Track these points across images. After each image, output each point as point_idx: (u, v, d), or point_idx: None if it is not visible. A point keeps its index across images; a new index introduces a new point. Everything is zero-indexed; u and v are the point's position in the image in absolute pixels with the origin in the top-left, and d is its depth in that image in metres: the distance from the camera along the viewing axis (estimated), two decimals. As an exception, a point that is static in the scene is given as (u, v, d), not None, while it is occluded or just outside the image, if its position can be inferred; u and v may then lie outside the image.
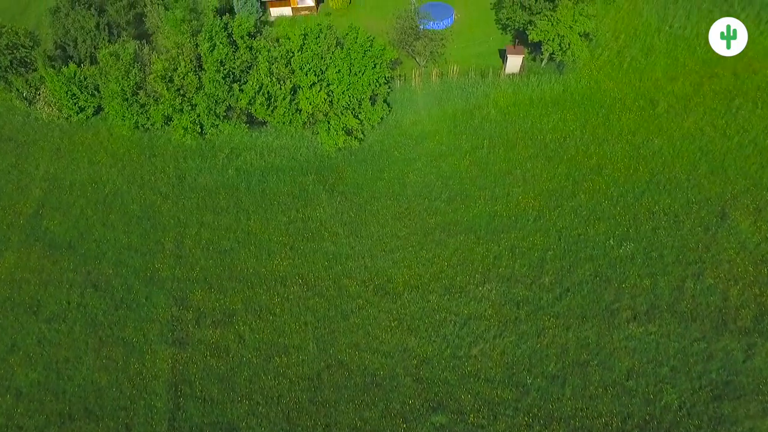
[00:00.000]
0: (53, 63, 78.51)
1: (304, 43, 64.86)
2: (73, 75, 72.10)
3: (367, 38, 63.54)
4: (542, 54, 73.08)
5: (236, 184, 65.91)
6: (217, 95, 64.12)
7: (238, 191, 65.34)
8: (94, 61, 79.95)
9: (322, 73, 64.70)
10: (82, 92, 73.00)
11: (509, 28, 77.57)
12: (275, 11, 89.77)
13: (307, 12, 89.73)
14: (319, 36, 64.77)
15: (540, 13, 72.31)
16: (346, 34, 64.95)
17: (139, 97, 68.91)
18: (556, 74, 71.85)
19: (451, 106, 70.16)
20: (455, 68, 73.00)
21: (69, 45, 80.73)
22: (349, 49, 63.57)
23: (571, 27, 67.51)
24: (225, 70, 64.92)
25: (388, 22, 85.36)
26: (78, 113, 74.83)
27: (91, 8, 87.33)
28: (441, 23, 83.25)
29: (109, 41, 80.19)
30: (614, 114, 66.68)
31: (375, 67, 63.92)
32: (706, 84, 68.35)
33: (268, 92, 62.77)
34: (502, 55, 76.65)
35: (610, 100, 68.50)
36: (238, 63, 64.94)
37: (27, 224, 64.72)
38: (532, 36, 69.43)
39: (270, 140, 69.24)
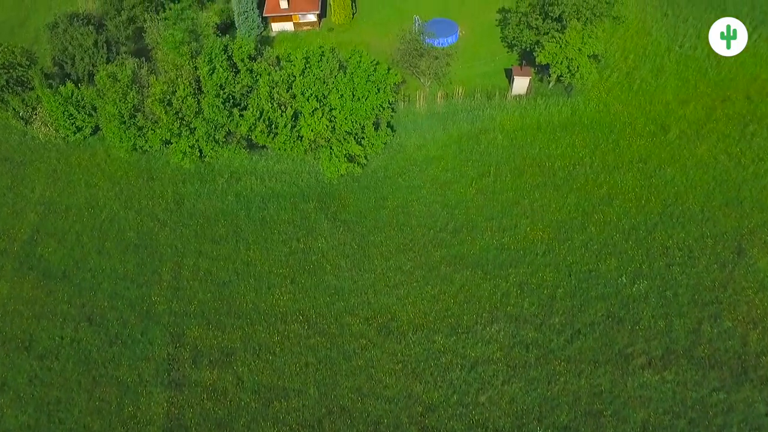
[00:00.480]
0: (51, 81, 75.11)
1: (306, 67, 61.27)
2: (70, 95, 68.71)
3: (371, 62, 59.93)
4: (550, 75, 69.48)
5: (236, 211, 62.54)
6: (217, 120, 60.60)
7: (237, 218, 61.98)
8: (92, 78, 76.55)
9: (324, 98, 61.20)
10: (79, 112, 69.61)
11: (515, 48, 73.93)
12: (277, 26, 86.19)
13: (309, 27, 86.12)
14: (322, 59, 61.18)
15: (548, 33, 68.75)
16: (350, 57, 61.36)
17: (136, 119, 65.48)
18: (564, 97, 68.25)
19: (457, 129, 66.63)
20: (460, 90, 69.48)
21: (67, 62, 77.32)
22: (352, 73, 60.04)
23: (579, 49, 63.94)
24: (225, 94, 61.48)
25: (391, 38, 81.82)
26: (75, 133, 71.43)
27: (90, 23, 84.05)
28: (445, 40, 79.62)
29: (107, 59, 76.74)
30: (624, 140, 63.18)
31: (379, 91, 60.43)
32: (719, 108, 64.81)
33: (268, 118, 59.28)
34: (509, 76, 73.12)
35: (620, 125, 64.97)
36: (238, 87, 61.46)
37: (21, 251, 61.50)
38: (540, 58, 65.86)
39: (271, 164, 65.80)
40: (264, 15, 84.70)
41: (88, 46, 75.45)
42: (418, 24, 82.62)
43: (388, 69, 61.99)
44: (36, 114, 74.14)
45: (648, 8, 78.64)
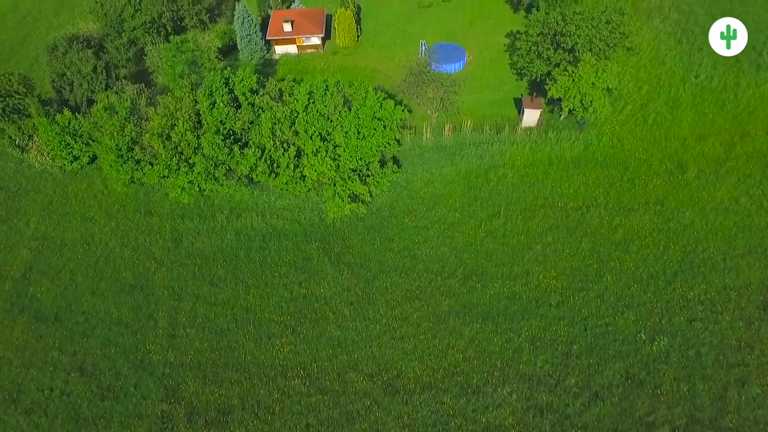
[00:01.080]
0: (48, 107, 70.75)
1: (309, 102, 56.78)
2: (67, 124, 64.34)
3: (377, 99, 55.38)
4: (561, 108, 64.90)
5: (235, 250, 58.23)
6: (216, 158, 56.18)
7: (237, 258, 57.66)
8: (90, 104, 72.31)
9: (328, 134, 56.76)
10: (76, 141, 65.23)
11: (525, 76, 69.31)
12: (280, 49, 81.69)
13: (312, 50, 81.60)
14: (326, 94, 56.67)
15: (559, 65, 64.18)
16: (355, 93, 56.82)
17: (134, 152, 61.10)
18: (576, 130, 63.68)
19: (465, 164, 62.17)
20: (469, 122, 64.91)
21: (65, 89, 72.99)
22: (358, 109, 55.54)
23: (593, 83, 59.38)
24: (225, 130, 57.04)
25: (396, 62, 77.52)
26: (72, 162, 67.05)
27: (91, 45, 79.74)
28: (452, 66, 75.08)
29: (106, 84, 72.35)
30: (640, 179, 58.67)
31: (385, 128, 55.93)
32: (738, 145, 60.24)
33: (270, 157, 54.84)
34: (518, 105, 68.56)
35: (635, 162, 60.45)
36: (239, 124, 57.06)
37: (13, 290, 57.42)
38: (552, 92, 61.28)
39: (272, 200, 61.44)
40: (267, 38, 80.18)
41: (87, 72, 71.07)
42: (424, 48, 78.13)
43: (395, 104, 57.27)
44: (32, 142, 69.89)
45: (661, 35, 73.98)
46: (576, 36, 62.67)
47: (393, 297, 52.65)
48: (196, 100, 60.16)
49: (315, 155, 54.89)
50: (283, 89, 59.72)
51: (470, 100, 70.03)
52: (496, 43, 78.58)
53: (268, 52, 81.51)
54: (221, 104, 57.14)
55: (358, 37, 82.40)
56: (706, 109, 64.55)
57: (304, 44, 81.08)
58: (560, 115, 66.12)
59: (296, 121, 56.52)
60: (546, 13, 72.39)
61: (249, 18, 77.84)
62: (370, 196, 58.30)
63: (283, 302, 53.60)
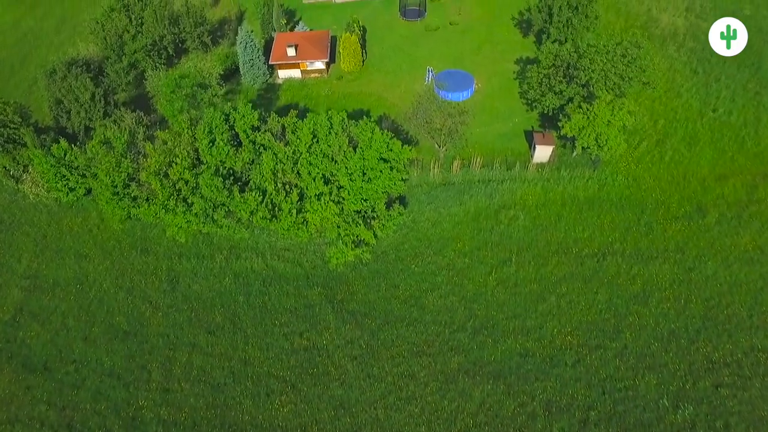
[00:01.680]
0: (44, 136, 66.35)
1: (313, 142, 52.33)
2: (63, 155, 59.87)
3: (384, 139, 50.87)
4: (575, 144, 60.36)
5: (234, 295, 53.93)
6: (215, 199, 51.77)
7: (236, 304, 53.35)
8: (88, 132, 67.96)
9: (332, 175, 52.32)
10: (72, 173, 60.77)
11: (536, 107, 64.68)
12: (283, 73, 77.13)
13: (317, 75, 77.00)
14: (330, 133, 52.20)
15: (572, 100, 59.60)
16: (361, 132, 52.31)
17: (131, 189, 56.68)
18: (590, 168, 59.09)
19: (474, 203, 57.67)
20: (478, 159, 60.33)
21: (62, 116, 68.56)
22: (364, 150, 51.08)
23: (609, 122, 54.84)
24: (225, 169, 52.63)
25: (403, 89, 72.98)
26: (68, 194, 62.55)
27: (90, 69, 75.33)
28: (460, 94, 70.43)
29: (105, 112, 67.85)
30: (658, 223, 54.18)
31: (392, 170, 51.44)
32: (761, 187, 55.74)
33: (271, 200, 50.42)
34: (529, 139, 64.00)
35: (653, 204, 55.95)
36: (239, 164, 52.65)
37: (2, 334, 53.59)
38: (566, 130, 56.77)
39: (273, 240, 57.10)
40: (270, 63, 75.62)
41: (85, 101, 66.63)
42: (431, 75, 73.52)
43: (403, 142, 52.73)
44: (27, 173, 65.59)
45: (676, 64, 69.31)
46: (590, 71, 58.06)
47: (399, 351, 48.30)
48: (195, 136, 55.62)
49: (318, 199, 50.40)
50: (286, 126, 55.13)
51: (479, 133, 65.42)
52: (506, 70, 73.90)
53: (271, 77, 76.96)
54: (221, 143, 52.67)
55: (363, 61, 77.68)
56: (725, 146, 59.97)
57: (308, 69, 76.45)
58: (573, 151, 61.55)
59: (299, 160, 52.00)
60: (559, 44, 67.91)
61: (252, 43, 73.29)
62: (375, 237, 53.79)
63: (283, 354, 49.30)
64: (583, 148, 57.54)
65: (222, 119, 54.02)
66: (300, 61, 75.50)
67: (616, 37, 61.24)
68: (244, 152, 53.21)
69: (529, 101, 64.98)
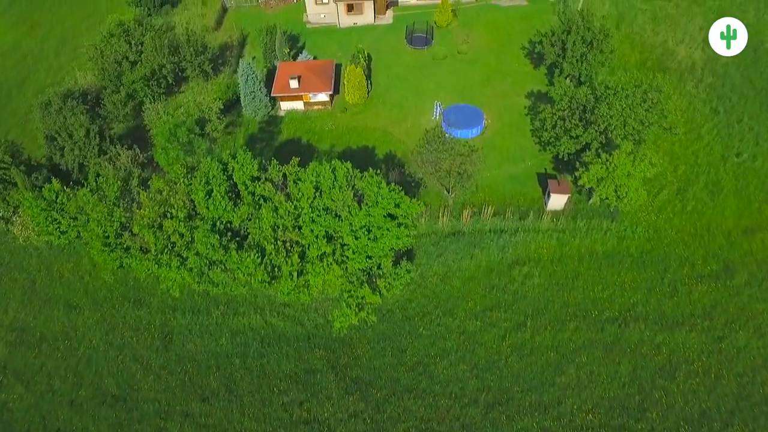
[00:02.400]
0: (37, 174, 61.00)
1: (315, 195, 46.96)
2: (54, 198, 54.47)
3: (392, 196, 45.44)
4: (591, 191, 54.97)
5: (231, 357, 48.72)
6: (211, 257, 46.43)
7: (232, 366, 48.14)
8: (82, 169, 62.58)
9: (335, 232, 46.95)
10: (63, 217, 55.37)
11: (550, 151, 59.20)
12: (286, 105, 71.69)
13: (320, 107, 71.53)
14: (334, 185, 46.79)
15: (589, 146, 54.14)
16: (366, 186, 46.87)
17: (123, 239, 51.33)
18: (608, 219, 53.62)
19: (486, 257, 52.29)
20: (489, 209, 54.85)
21: (56, 154, 63.16)
22: (370, 207, 45.67)
23: (629, 173, 49.42)
24: (222, 224, 47.28)
25: (410, 124, 67.59)
26: (59, 237, 57.12)
27: (87, 100, 70.05)
28: (469, 132, 64.90)
29: (100, 148, 62.36)
30: (683, 283, 48.80)
31: (401, 226, 46.02)
32: (792, 243, 50.24)
33: (271, 261, 45.08)
34: (542, 183, 58.55)
35: (676, 260, 50.54)
36: (237, 219, 47.30)
37: (-16, 396, 47.99)
38: (583, 181, 51.36)
39: (272, 294, 51.65)
40: (272, 95, 70.13)
41: (79, 138, 61.25)
42: (439, 110, 68.03)
43: (411, 197, 47.34)
44: (17, 214, 60.33)
45: (695, 102, 63.77)
46: (609, 117, 52.57)
47: (406, 428, 42.98)
48: (191, 184, 50.23)
49: (321, 261, 45.05)
50: (288, 174, 49.71)
51: (489, 173, 59.95)
52: (516, 104, 68.37)
53: (273, 108, 71.44)
54: (218, 195, 47.27)
55: (368, 92, 72.13)
56: (751, 196, 54.51)
57: (312, 101, 70.96)
58: (589, 197, 56.10)
59: (300, 216, 46.61)
60: (572, 78, 62.51)
61: (253, 75, 67.80)
62: (380, 296, 48.40)
63: (281, 428, 44.06)
64: (600, 199, 52.06)
65: (220, 170, 48.61)
66: (303, 93, 70.06)
67: (635, 77, 55.64)
68: (243, 206, 47.78)
69: (542, 142, 59.57)
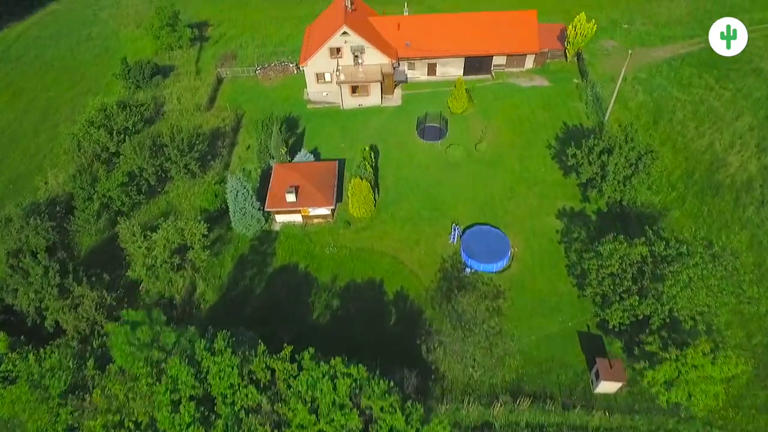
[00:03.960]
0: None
1: (311, 417, 33.20)
2: (-2, 360, 40.95)
3: (409, 430, 31.66)
4: (644, 369, 40.90)
5: None
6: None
7: None
8: (39, 312, 48.70)
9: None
10: (4, 388, 41.72)
11: (594, 310, 45.44)
12: (282, 218, 57.80)
13: (321, 221, 57.58)
14: (334, 405, 33.02)
15: (648, 323, 40.28)
16: (375, 403, 33.13)
17: (71, 443, 37.73)
18: (674, 419, 39.83)
19: (523, 466, 38.55)
20: (526, 401, 40.98)
21: (8, 295, 49.39)
22: (380, 443, 31.95)
23: (710, 377, 35.64)
24: (189, 452, 33.57)
25: (423, 247, 53.78)
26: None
27: (55, 211, 56.38)
28: (494, 264, 51.13)
29: (60, 288, 48.45)
30: None
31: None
32: None
33: None
34: (585, 346, 44.73)
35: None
36: (210, 451, 33.62)
37: None
38: (647, 381, 37.57)
39: None
40: (266, 209, 56.20)
41: (35, 280, 47.48)
42: (458, 233, 54.12)
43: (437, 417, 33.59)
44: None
45: (759, 235, 49.88)
46: (672, 288, 38.67)
47: None
48: (155, 384, 36.44)
49: None
50: (278, 373, 36.00)
51: (518, 327, 46.09)
52: (546, 226, 54.55)
53: (266, 222, 57.42)
54: (186, 413, 33.50)
55: (375, 200, 58.10)
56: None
57: (311, 214, 57.05)
58: (643, 376, 42.04)
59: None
60: (613, 202, 49.00)
61: (243, 190, 53.85)
62: None
63: None
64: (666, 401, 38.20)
65: (190, 374, 34.80)
66: (300, 208, 56.15)
67: (703, 234, 41.80)
68: (218, 426, 33.98)
69: (580, 287, 45.97)
